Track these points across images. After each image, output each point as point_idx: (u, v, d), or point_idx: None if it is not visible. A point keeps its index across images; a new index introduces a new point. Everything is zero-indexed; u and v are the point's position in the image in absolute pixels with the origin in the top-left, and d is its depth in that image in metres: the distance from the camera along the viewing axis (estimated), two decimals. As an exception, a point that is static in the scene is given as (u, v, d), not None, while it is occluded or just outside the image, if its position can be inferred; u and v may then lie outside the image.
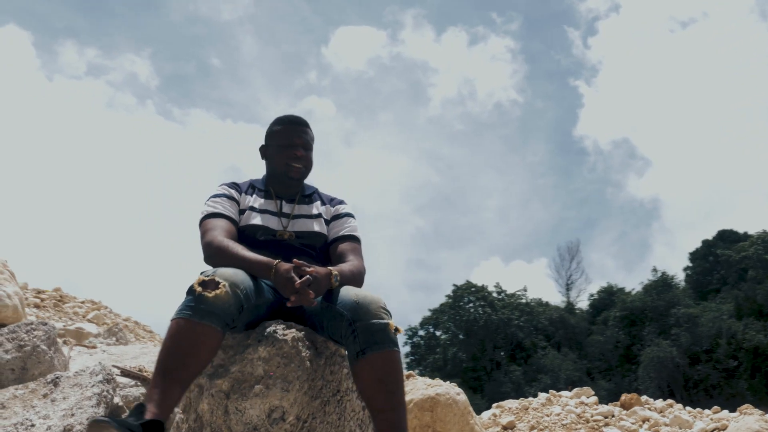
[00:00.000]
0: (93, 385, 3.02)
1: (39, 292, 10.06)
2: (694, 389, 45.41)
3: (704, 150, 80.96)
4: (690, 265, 55.85)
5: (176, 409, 2.62)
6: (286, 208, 3.05)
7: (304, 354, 2.52)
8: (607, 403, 6.91)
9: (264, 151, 3.17)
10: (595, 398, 7.06)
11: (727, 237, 54.33)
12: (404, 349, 55.23)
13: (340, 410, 2.62)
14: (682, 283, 51.18)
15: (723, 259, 51.37)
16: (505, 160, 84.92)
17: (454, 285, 52.06)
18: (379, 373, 2.44)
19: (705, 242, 55.15)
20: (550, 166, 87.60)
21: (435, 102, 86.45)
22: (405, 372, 5.02)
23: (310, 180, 3.23)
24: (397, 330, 2.51)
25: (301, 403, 2.47)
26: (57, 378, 3.09)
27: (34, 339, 3.38)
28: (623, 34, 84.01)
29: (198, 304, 2.35)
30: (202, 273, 2.48)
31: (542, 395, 7.45)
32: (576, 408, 6.56)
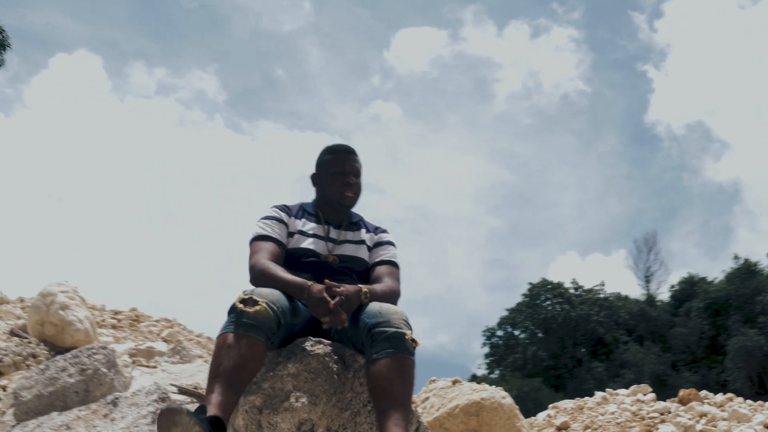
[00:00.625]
0: (148, 404, 3.23)
1: (116, 312, 10.50)
2: (785, 378, 43.99)
3: None
4: (774, 249, 53.97)
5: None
6: (333, 233, 3.24)
7: (331, 368, 2.67)
8: (665, 400, 6.81)
9: (315, 179, 3.35)
10: (652, 395, 6.97)
11: (813, 219, 52.39)
12: (483, 350, 54.95)
13: (371, 420, 2.74)
14: (767, 269, 49.46)
15: (810, 241, 49.55)
16: (578, 153, 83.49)
17: (530, 283, 51.63)
18: (389, 373, 2.59)
19: (790, 225, 53.26)
20: (623, 155, 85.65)
21: (500, 98, 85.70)
22: (451, 379, 5.12)
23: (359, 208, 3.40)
24: (414, 341, 2.64)
25: (330, 415, 2.61)
26: (116, 398, 3.31)
27: (95, 362, 3.62)
28: (690, 15, 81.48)
29: (240, 319, 2.56)
30: (243, 292, 2.67)
31: (599, 394, 7.40)
32: (632, 406, 6.50)
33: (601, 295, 52.08)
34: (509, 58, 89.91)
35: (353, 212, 3.38)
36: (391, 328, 2.63)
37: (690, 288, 52.53)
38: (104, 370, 3.63)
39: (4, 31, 15.64)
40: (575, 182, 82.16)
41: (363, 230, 3.33)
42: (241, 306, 2.56)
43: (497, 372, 53.46)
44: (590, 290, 52.41)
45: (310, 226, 3.21)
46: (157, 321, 10.51)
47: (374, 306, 2.73)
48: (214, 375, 2.51)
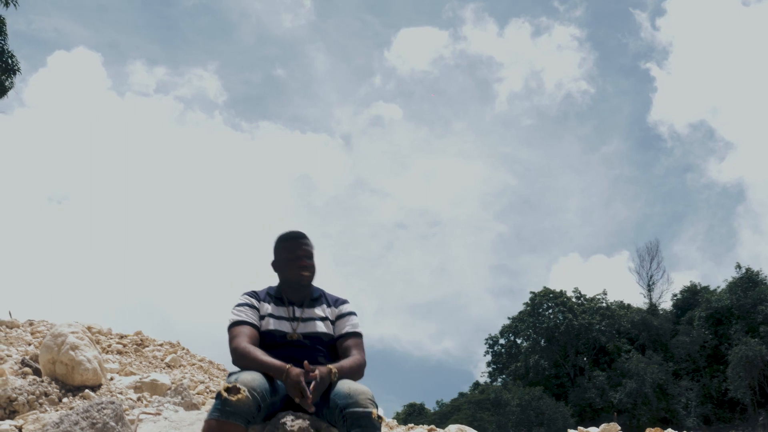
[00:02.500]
0: (151, 458, 3.63)
1: (121, 337, 10.91)
2: (786, 387, 44.24)
3: None
4: (776, 259, 54.22)
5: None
6: (297, 312, 3.63)
7: (309, 441, 3.08)
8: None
9: (275, 265, 3.79)
10: (618, 433, 7.36)
11: (814, 229, 52.60)
12: (486, 358, 55.24)
13: (344, 483, 3.15)
14: (769, 279, 49.70)
15: (812, 251, 49.80)
16: (581, 157, 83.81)
17: (532, 292, 51.92)
18: None
19: (792, 235, 53.50)
20: (627, 158, 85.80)
21: (502, 98, 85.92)
22: (428, 427, 5.53)
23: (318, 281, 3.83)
24: (380, 418, 3.08)
25: (307, 482, 3.02)
26: (122, 452, 3.71)
27: (104, 417, 4.01)
28: (693, 12, 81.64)
29: (224, 407, 2.96)
30: (227, 378, 3.09)
31: (570, 432, 7.77)
32: (598, 445, 6.88)
33: (603, 304, 52.35)
34: (511, 57, 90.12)
35: (314, 287, 3.78)
36: (360, 408, 3.02)
37: (692, 297, 52.80)
38: (112, 423, 4.02)
39: (14, 56, 16.11)
40: (580, 187, 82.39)
41: (324, 305, 3.71)
42: (225, 394, 2.94)
43: (500, 380, 53.83)
44: (592, 299, 52.70)
45: (276, 309, 3.62)
46: (161, 345, 10.90)
47: (344, 386, 3.12)
48: None
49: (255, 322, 3.55)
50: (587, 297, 52.77)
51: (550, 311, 51.24)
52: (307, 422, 3.17)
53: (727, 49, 77.79)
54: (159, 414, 4.63)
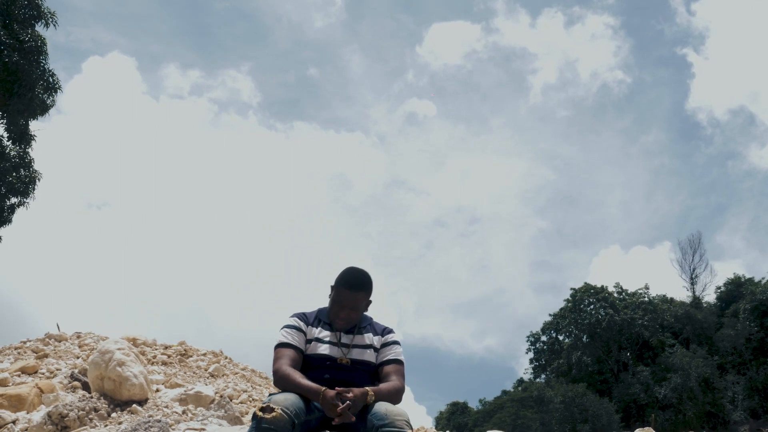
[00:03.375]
0: (196, 475, 3.82)
1: (166, 347, 11.19)
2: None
3: None
4: (823, 248, 53.23)
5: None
6: (345, 338, 3.83)
7: (344, 460, 3.24)
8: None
9: (331, 291, 3.95)
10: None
11: None
12: (528, 356, 54.98)
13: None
14: (816, 269, 48.75)
15: None
16: (620, 149, 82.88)
17: (572, 289, 51.58)
18: None
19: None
20: (667, 148, 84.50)
21: (536, 90, 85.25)
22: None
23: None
24: None
25: (342, 500, 3.18)
26: (169, 468, 3.90)
27: (151, 434, 4.23)
28: None
29: (260, 425, 3.16)
30: (262, 402, 3.28)
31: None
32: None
33: (645, 299, 51.78)
34: (544, 48, 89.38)
35: (365, 315, 3.97)
36: (395, 428, 3.18)
37: (737, 289, 52.01)
38: (159, 441, 4.24)
39: (54, 75, 16.57)
40: (620, 181, 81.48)
41: (370, 334, 3.90)
42: (260, 414, 3.14)
43: (543, 377, 53.57)
44: (634, 293, 52.15)
45: (324, 334, 3.81)
46: (204, 355, 11.15)
47: (381, 408, 3.28)
48: None
49: (300, 346, 3.75)
50: (629, 292, 52.25)
51: (592, 307, 50.82)
52: (343, 441, 3.33)
53: (764, 33, 76.14)
54: (203, 430, 4.82)
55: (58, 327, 12.54)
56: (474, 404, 56.57)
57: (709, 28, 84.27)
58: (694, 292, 54.17)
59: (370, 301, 3.97)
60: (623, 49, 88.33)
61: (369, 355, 3.80)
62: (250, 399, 9.30)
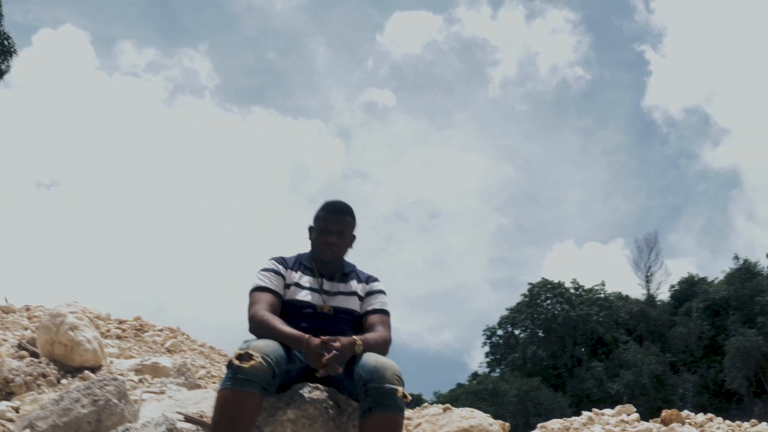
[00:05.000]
0: (157, 436, 3.44)
1: (120, 322, 10.69)
2: (783, 379, 44.26)
3: None
4: (774, 250, 54.28)
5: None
6: (327, 285, 3.46)
7: (327, 413, 2.91)
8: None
9: (310, 232, 3.60)
10: (636, 415, 7.16)
11: (812, 219, 52.64)
12: (483, 350, 55.10)
13: (363, 460, 2.98)
14: (766, 270, 49.69)
15: (809, 243, 49.81)
16: (582, 148, 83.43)
17: (530, 283, 51.85)
18: (381, 430, 2.82)
19: (789, 226, 53.54)
20: (621, 142, 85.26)
21: (495, 83, 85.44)
22: (443, 405, 5.35)
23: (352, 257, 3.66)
24: (405, 396, 2.89)
25: (325, 457, 2.85)
26: (127, 430, 3.51)
27: (107, 393, 3.83)
28: None
29: (237, 375, 2.78)
30: (240, 346, 2.90)
31: (585, 414, 7.59)
32: (615, 427, 6.70)
33: (601, 295, 52.27)
34: (505, 41, 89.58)
35: (346, 262, 3.62)
36: (385, 384, 2.84)
37: (690, 288, 52.77)
38: (115, 401, 3.84)
39: (9, 38, 15.87)
40: (580, 180, 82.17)
41: (354, 281, 3.54)
42: (237, 362, 2.77)
43: (498, 371, 53.75)
44: (590, 290, 52.61)
45: (305, 279, 3.44)
46: (160, 330, 10.69)
47: (370, 359, 2.93)
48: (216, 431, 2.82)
49: (278, 290, 3.38)
50: (585, 288, 52.70)
51: (548, 302, 51.18)
52: (326, 394, 2.99)
53: (722, 33, 77.47)
54: (162, 393, 4.47)
55: (6, 300, 11.96)
56: (428, 396, 56.60)
57: (667, 26, 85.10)
58: (648, 290, 54.85)
59: (355, 237, 3.61)
60: (583, 44, 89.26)
61: (353, 303, 3.45)
62: (209, 375, 8.90)
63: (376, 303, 3.48)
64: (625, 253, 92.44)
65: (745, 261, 49.49)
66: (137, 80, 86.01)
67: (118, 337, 9.75)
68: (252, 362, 2.78)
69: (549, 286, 51.15)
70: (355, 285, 3.53)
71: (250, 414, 2.81)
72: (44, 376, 5.60)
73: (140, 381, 6.08)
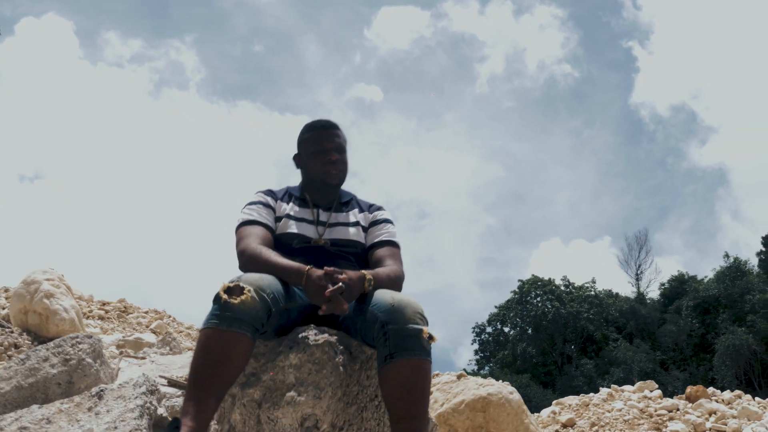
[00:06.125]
0: (136, 397, 2.99)
1: (104, 303, 10.25)
2: (772, 377, 44.15)
3: None
4: (763, 249, 54.25)
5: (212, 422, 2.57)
6: (323, 216, 3.01)
7: (336, 359, 2.45)
8: (673, 396, 6.66)
9: (298, 160, 3.13)
10: (659, 392, 6.79)
11: (802, 219, 52.66)
12: (473, 347, 54.80)
13: (378, 416, 2.53)
14: (756, 268, 49.63)
15: (798, 241, 49.81)
16: (572, 148, 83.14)
17: (520, 280, 51.57)
18: (405, 379, 2.37)
19: (779, 225, 53.53)
20: (612, 142, 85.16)
21: (483, 79, 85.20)
22: (456, 372, 4.91)
23: (349, 186, 3.18)
24: (431, 338, 2.44)
25: (335, 410, 2.39)
26: (101, 391, 3.07)
27: (80, 352, 3.39)
28: None
29: (224, 312, 2.32)
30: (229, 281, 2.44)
31: (604, 390, 7.21)
32: (638, 403, 6.32)
33: (592, 293, 52.06)
34: (493, 36, 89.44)
35: (344, 191, 3.16)
36: (407, 324, 2.40)
37: (680, 286, 52.66)
38: (89, 360, 3.40)
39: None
40: (569, 180, 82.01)
41: (356, 210, 3.10)
42: (225, 296, 2.33)
43: (487, 368, 53.41)
44: (581, 287, 52.39)
45: (297, 210, 3.00)
46: (146, 312, 10.26)
47: (386, 297, 2.49)
48: (193, 380, 2.31)
49: (269, 224, 2.90)
50: (575, 285, 52.49)
51: (538, 299, 50.92)
52: (335, 337, 2.53)
53: (709, 30, 77.46)
54: (144, 358, 4.04)
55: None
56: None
57: (655, 23, 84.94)
58: (638, 288, 54.69)
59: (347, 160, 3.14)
60: (571, 40, 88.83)
61: (355, 234, 2.98)
62: (193, 360, 8.46)
63: (383, 234, 3.01)
64: (612, 251, 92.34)
65: (735, 259, 49.40)
66: (122, 71, 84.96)
67: (101, 318, 9.30)
68: (243, 297, 2.32)
69: (539, 283, 50.87)
70: (356, 214, 3.07)
71: (238, 359, 2.32)
72: (16, 346, 5.13)
73: (121, 353, 5.65)
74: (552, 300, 50.01)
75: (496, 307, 53.49)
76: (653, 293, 54.64)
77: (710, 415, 5.87)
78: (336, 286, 2.43)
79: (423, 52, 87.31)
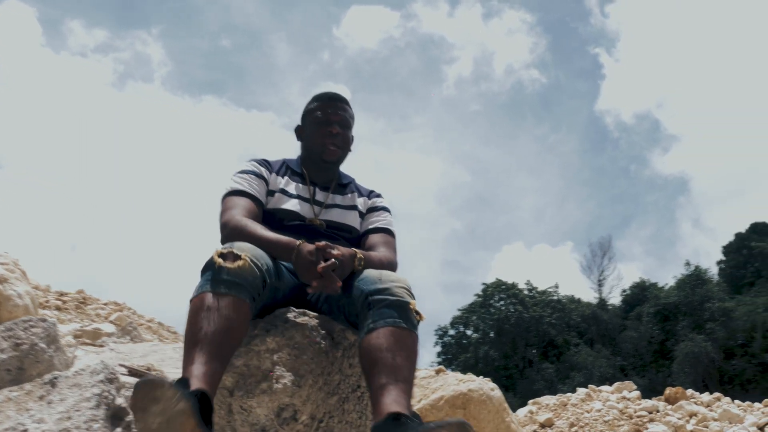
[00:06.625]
0: (93, 386, 2.75)
1: (61, 294, 9.89)
2: (729, 384, 44.66)
3: (734, 118, 78.32)
4: (723, 258, 55.05)
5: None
6: (320, 195, 2.81)
7: (318, 344, 2.22)
8: (649, 398, 6.60)
9: (299, 132, 2.94)
10: (637, 393, 6.69)
11: (760, 229, 53.53)
12: (435, 349, 54.77)
13: (360, 408, 2.31)
14: (716, 277, 50.34)
15: (757, 251, 50.60)
16: (538, 154, 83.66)
17: (484, 284, 51.68)
18: (390, 346, 2.12)
19: (738, 235, 54.39)
20: (578, 149, 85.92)
21: (450, 81, 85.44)
22: (435, 367, 4.71)
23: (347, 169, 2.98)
24: (418, 314, 2.24)
25: (315, 400, 2.16)
26: (55, 378, 2.82)
27: (33, 337, 3.14)
28: (641, 1, 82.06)
29: (220, 276, 2.10)
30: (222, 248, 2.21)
31: (581, 390, 7.08)
32: (618, 403, 6.20)
33: (555, 297, 52.36)
34: (462, 39, 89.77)
35: (344, 173, 2.97)
36: (393, 296, 2.20)
37: (641, 293, 53.21)
38: (42, 345, 3.14)
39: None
40: (535, 186, 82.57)
41: (355, 193, 2.92)
42: (220, 261, 2.12)
43: (449, 371, 53.43)
44: (544, 292, 52.68)
45: (293, 186, 2.78)
46: (105, 304, 9.93)
47: (372, 272, 2.31)
48: (193, 342, 2.02)
49: (260, 197, 2.68)
50: (539, 290, 52.76)
51: (501, 303, 51.09)
52: (317, 320, 2.31)
53: (674, 39, 78.61)
54: (103, 347, 3.78)
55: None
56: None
57: (621, 31, 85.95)
58: (600, 294, 55.11)
59: (353, 137, 2.92)
60: (539, 45, 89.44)
61: (352, 219, 2.79)
62: (154, 352, 8.18)
63: (379, 221, 2.83)
64: (574, 256, 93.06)
65: (696, 268, 50.02)
66: (86, 61, 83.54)
67: (58, 309, 8.96)
68: (239, 262, 2.11)
69: (503, 287, 51.05)
70: (355, 198, 2.88)
71: (240, 326, 2.09)
72: (-35, 333, 4.85)
73: (78, 343, 5.37)
74: (515, 304, 50.21)
75: (459, 310, 53.58)
76: (615, 299, 55.15)
77: (691, 417, 5.78)
78: (329, 262, 2.24)
79: (392, 52, 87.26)
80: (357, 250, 2.41)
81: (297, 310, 2.29)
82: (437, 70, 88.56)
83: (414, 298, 2.24)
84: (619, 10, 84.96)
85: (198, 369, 1.94)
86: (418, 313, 2.23)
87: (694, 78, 78.96)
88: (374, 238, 2.75)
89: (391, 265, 2.60)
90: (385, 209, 2.91)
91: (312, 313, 2.32)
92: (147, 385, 1.76)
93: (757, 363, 43.90)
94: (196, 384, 1.89)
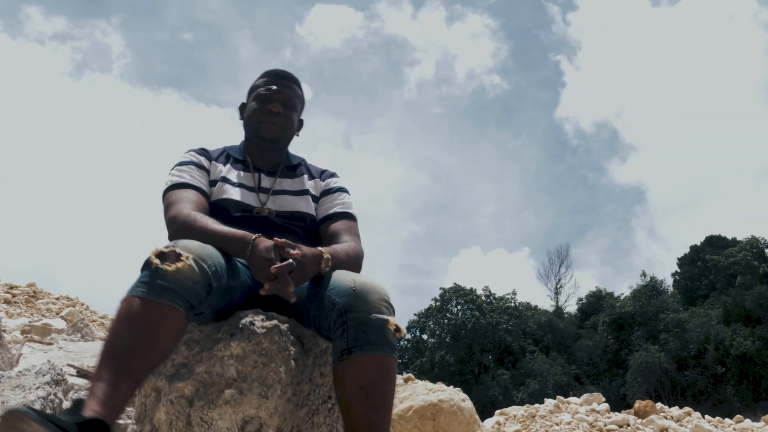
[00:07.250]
0: (38, 387, 2.54)
1: (11, 287, 9.55)
2: (681, 395, 45.31)
3: (691, 131, 79.92)
4: (678, 270, 55.90)
5: (129, 419, 2.13)
6: (266, 182, 2.56)
7: (287, 351, 2.04)
8: (619, 411, 6.54)
9: (242, 110, 2.70)
10: (606, 405, 6.60)
11: (715, 242, 54.43)
12: (391, 353, 54.68)
13: (331, 422, 2.14)
14: (671, 288, 51.08)
15: (711, 264, 51.41)
16: (500, 162, 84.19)
17: (442, 288, 51.77)
18: (365, 379, 1.97)
19: (693, 248, 55.27)
20: (538, 156, 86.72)
21: (411, 84, 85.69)
22: (402, 376, 4.54)
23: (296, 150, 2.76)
24: (398, 330, 2.06)
25: (283, 412, 1.98)
26: (-3, 378, 2.61)
27: (-26, 333, 2.91)
28: (602, 11, 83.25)
29: (154, 279, 1.87)
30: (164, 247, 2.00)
31: (549, 401, 6.98)
32: (587, 416, 6.10)
33: (512, 304, 52.65)
34: (424, 41, 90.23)
35: (293, 154, 2.72)
36: (371, 314, 2.01)
37: (597, 302, 53.84)
38: (-15, 342, 2.92)
39: None
40: (495, 193, 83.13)
41: (305, 176, 2.66)
42: (156, 261, 1.90)
43: (404, 375, 53.41)
44: (501, 298, 52.91)
45: (235, 174, 2.55)
46: (57, 299, 9.60)
47: (346, 279, 2.09)
48: (106, 356, 1.81)
49: (203, 188, 2.44)
50: (496, 296, 53.00)
51: (459, 308, 51.23)
52: (286, 325, 2.12)
53: (633, 50, 79.91)
54: (51, 344, 3.56)
55: None
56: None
57: (582, 40, 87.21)
58: (557, 302, 55.60)
59: (302, 121, 2.70)
60: (502, 51, 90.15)
61: (304, 205, 2.54)
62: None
63: (337, 205, 2.59)
64: (530, 262, 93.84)
65: (652, 278, 50.70)
66: (43, 48, 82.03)
67: (7, 302, 8.62)
68: (179, 264, 1.88)
69: (461, 292, 51.17)
70: (305, 181, 2.62)
71: (165, 339, 1.86)
72: None
73: (25, 338, 5.11)
74: (472, 309, 50.38)
75: (415, 314, 53.61)
76: (571, 307, 55.73)
77: (661, 431, 5.72)
78: (285, 263, 2.01)
79: (354, 52, 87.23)
80: (323, 250, 2.18)
81: (265, 313, 2.10)
82: (399, 72, 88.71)
83: (393, 312, 2.07)
84: (581, 19, 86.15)
85: (101, 389, 1.73)
86: (398, 329, 2.06)
87: (653, 88, 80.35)
88: (335, 226, 2.51)
89: (359, 258, 2.40)
90: (341, 190, 2.66)
91: (281, 317, 2.13)
92: (12, 417, 1.53)
93: (710, 375, 44.58)
94: (92, 408, 1.68)
